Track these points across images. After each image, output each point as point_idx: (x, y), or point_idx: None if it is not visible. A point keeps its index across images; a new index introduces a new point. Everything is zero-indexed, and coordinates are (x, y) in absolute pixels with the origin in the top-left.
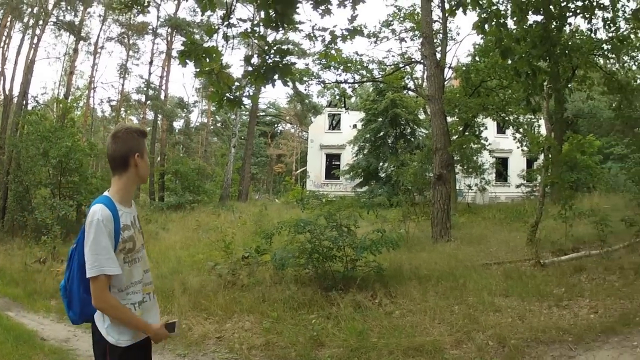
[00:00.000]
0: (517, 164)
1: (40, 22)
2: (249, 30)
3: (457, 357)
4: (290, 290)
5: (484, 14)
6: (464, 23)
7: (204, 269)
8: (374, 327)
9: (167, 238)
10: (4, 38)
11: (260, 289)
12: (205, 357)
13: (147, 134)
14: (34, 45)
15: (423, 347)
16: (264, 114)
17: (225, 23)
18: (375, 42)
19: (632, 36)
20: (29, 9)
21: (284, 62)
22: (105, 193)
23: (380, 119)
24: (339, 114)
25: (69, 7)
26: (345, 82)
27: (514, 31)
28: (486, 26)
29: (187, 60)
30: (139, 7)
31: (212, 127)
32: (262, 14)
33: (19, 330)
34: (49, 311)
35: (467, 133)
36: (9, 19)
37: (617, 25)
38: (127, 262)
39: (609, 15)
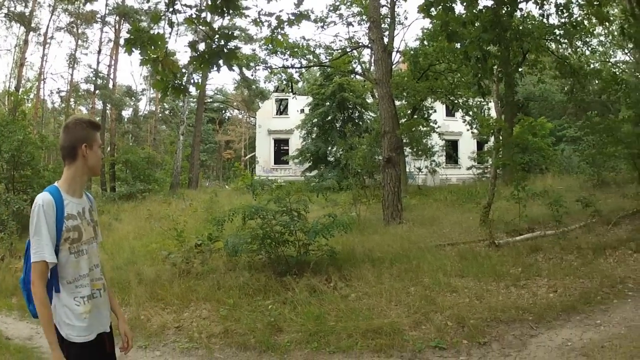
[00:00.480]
0: (467, 147)
1: None
2: (194, 16)
3: (417, 338)
4: (244, 276)
5: None
6: (412, 8)
7: (158, 258)
8: (331, 310)
9: (120, 228)
10: None
11: (215, 276)
12: (166, 348)
13: (100, 127)
14: None
15: (382, 329)
16: (211, 100)
17: (170, 9)
18: (323, 27)
19: (586, 22)
20: None
21: (228, 47)
22: (55, 183)
23: (328, 103)
24: (287, 99)
25: None
26: (292, 67)
27: (463, 15)
28: (433, 10)
29: (133, 49)
30: None
31: (160, 115)
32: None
33: None
34: (11, 309)
35: (415, 116)
36: None
37: (570, 11)
38: (73, 253)
39: (562, 1)
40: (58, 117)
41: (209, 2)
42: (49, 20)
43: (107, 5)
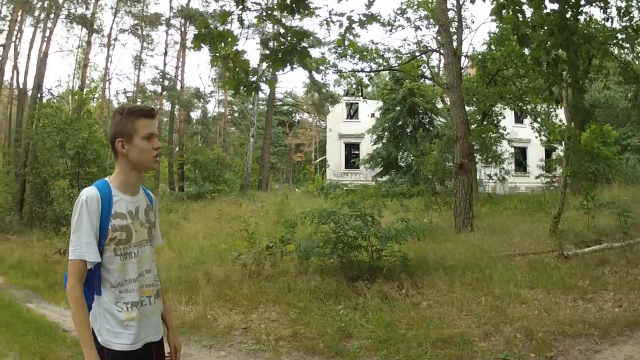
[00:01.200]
0: (535, 154)
1: (52, 16)
2: (264, 14)
3: (486, 350)
4: (315, 280)
5: (502, 0)
6: (478, 11)
7: (228, 258)
8: (402, 318)
9: (189, 228)
10: (15, 32)
11: (286, 279)
12: (231, 348)
13: (146, 113)
14: (46, 39)
15: (451, 339)
16: (281, 103)
17: (240, 7)
18: (391, 31)
19: None
20: (39, 3)
21: (301, 45)
22: (107, 177)
23: (399, 108)
24: (357, 103)
25: (79, 0)
26: (362, 71)
27: (531, 18)
28: (503, 12)
29: (202, 44)
30: None
31: (229, 117)
32: None
33: (40, 322)
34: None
35: (485, 122)
36: (19, 13)
37: (630, 14)
38: (119, 255)
39: (622, 4)
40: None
41: (279, 1)
42: (112, 22)
43: (171, 8)
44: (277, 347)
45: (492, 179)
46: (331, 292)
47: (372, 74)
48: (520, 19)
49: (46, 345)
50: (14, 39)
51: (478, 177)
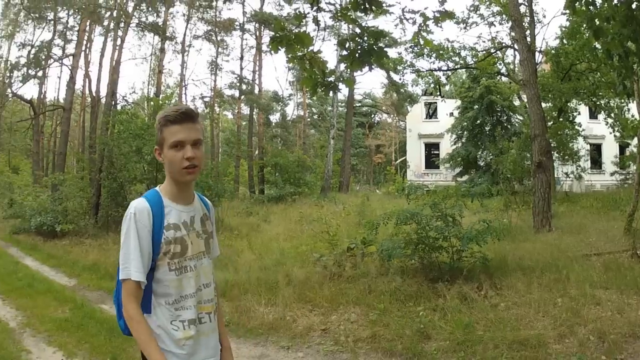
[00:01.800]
0: (610, 151)
1: (122, 25)
2: (339, 14)
3: (560, 352)
4: (396, 281)
5: None
6: (548, 5)
7: (309, 260)
8: (480, 319)
9: (269, 230)
10: (85, 42)
11: (366, 280)
12: (309, 350)
13: (175, 118)
14: (117, 47)
15: (527, 342)
16: (360, 104)
17: (315, 8)
18: (465, 28)
19: None
20: (108, 13)
21: (378, 45)
22: (157, 187)
23: (476, 107)
24: (435, 103)
25: (149, 9)
26: (439, 69)
27: (603, 10)
28: (576, 5)
29: (279, 47)
30: None
31: (309, 119)
32: None
33: (113, 322)
34: None
35: (561, 119)
36: (87, 23)
37: None
38: (173, 270)
39: None
40: (202, 121)
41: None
42: (185, 29)
43: (244, 13)
44: (356, 348)
45: (569, 177)
46: (411, 293)
47: (449, 73)
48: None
49: (119, 345)
50: (83, 48)
51: (556, 176)
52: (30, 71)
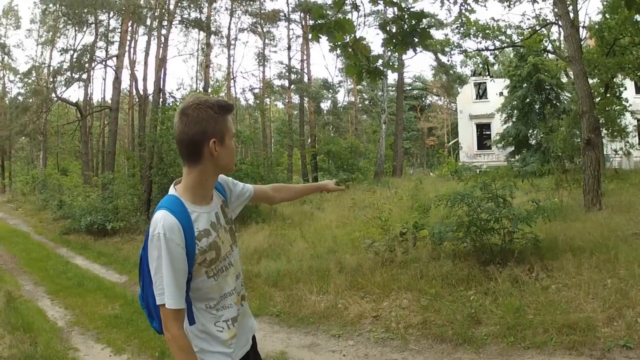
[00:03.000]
0: None
1: (165, 23)
2: None
3: (608, 336)
4: (447, 266)
5: None
6: None
7: (361, 247)
8: (531, 303)
9: (323, 217)
10: (128, 41)
11: (418, 265)
12: (360, 337)
13: (232, 107)
14: (161, 45)
15: (577, 325)
16: (410, 87)
17: None
18: (509, 6)
19: None
20: (149, 12)
21: (420, 26)
22: (172, 190)
23: (525, 85)
24: (485, 83)
25: (191, 5)
26: (486, 49)
27: None
28: None
29: (320, 35)
30: None
31: (360, 105)
32: None
33: None
34: None
35: (608, 95)
36: (129, 23)
37: None
38: (212, 276)
39: None
40: (253, 113)
41: None
42: (230, 22)
43: (288, 3)
44: (406, 334)
45: (618, 154)
46: (463, 277)
47: (496, 52)
48: None
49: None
50: (127, 48)
51: (605, 153)
52: (73, 74)
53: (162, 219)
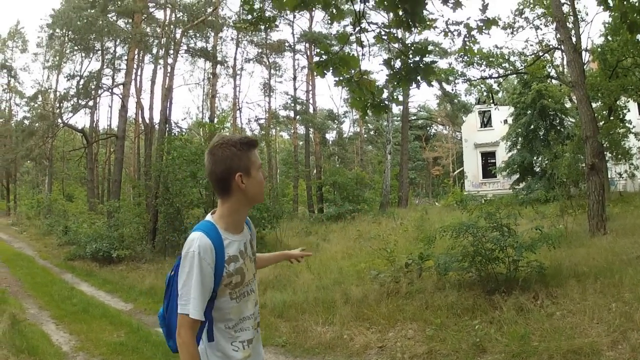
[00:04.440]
0: None
1: (171, 52)
2: (383, 33)
3: (612, 359)
4: (453, 295)
5: None
6: (590, 2)
7: (366, 278)
8: (536, 330)
9: (328, 249)
10: (134, 69)
11: (423, 295)
12: None
13: (256, 143)
14: (168, 74)
15: (581, 350)
16: (415, 117)
17: (357, 29)
18: (512, 33)
19: None
20: (156, 41)
21: (424, 62)
22: (209, 216)
23: (529, 112)
24: (489, 111)
25: (197, 35)
26: (490, 77)
27: (638, 3)
28: (610, 1)
29: (325, 71)
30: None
31: (365, 135)
32: (392, 15)
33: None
34: None
35: (611, 118)
36: (136, 51)
37: None
38: (234, 298)
39: None
40: (259, 143)
41: (393, 18)
42: (235, 53)
43: (293, 33)
44: None
45: (622, 177)
46: (468, 306)
47: (501, 79)
48: (626, 6)
49: None
50: (133, 76)
51: (609, 176)
52: (80, 101)
53: (198, 239)
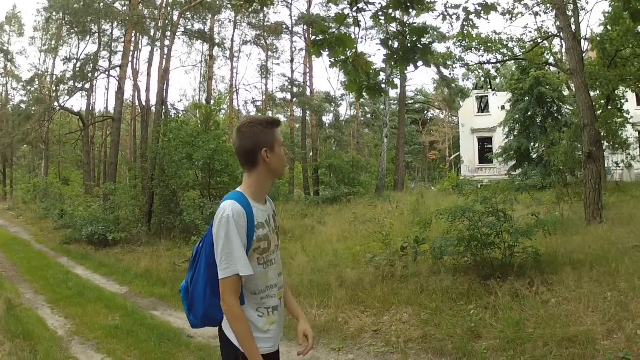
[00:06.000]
0: None
1: (168, 34)
2: (380, 14)
3: (607, 349)
4: (448, 280)
5: None
6: None
7: (362, 261)
8: (531, 316)
9: (324, 232)
10: (131, 52)
11: (419, 279)
12: (360, 351)
13: (279, 123)
14: (165, 56)
15: (576, 338)
16: (412, 101)
17: (355, 8)
18: (511, 19)
19: None
20: (153, 23)
21: (422, 42)
22: (238, 189)
23: (527, 99)
24: (487, 96)
25: (195, 17)
26: (488, 62)
27: None
28: None
29: (321, 51)
30: (260, 2)
31: (362, 118)
32: None
33: (163, 328)
34: None
35: (609, 107)
36: (133, 34)
37: None
38: (262, 264)
39: None
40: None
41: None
42: (233, 35)
43: (291, 16)
44: (406, 349)
45: (619, 167)
46: (463, 291)
47: (499, 65)
48: None
49: (168, 351)
50: (130, 58)
51: (606, 165)
52: (76, 84)
53: (230, 205)
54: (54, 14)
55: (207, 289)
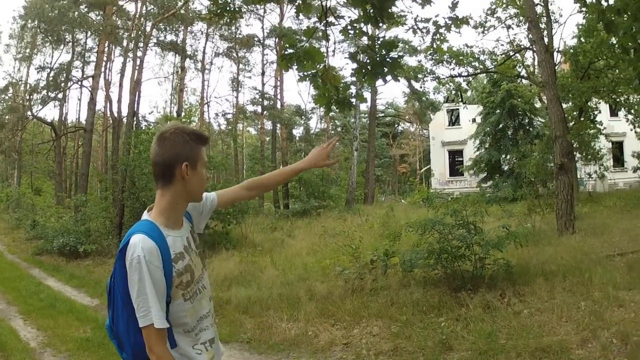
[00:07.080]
0: (632, 148)
1: (140, 45)
2: (349, 27)
3: (582, 357)
4: (418, 292)
5: None
6: (564, 4)
7: (331, 274)
8: (503, 328)
9: (293, 245)
10: (104, 62)
11: (389, 292)
12: None
13: (208, 140)
14: (137, 67)
15: (550, 348)
16: (383, 114)
17: (323, 22)
18: (483, 32)
19: None
20: (126, 33)
21: (391, 56)
22: (145, 215)
23: (498, 111)
24: (458, 109)
25: (167, 28)
26: (460, 75)
27: (615, 3)
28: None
29: (289, 65)
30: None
31: (332, 132)
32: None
33: None
34: None
35: (582, 118)
36: (106, 44)
37: None
38: (188, 299)
39: None
40: (225, 138)
41: (362, 13)
42: (204, 47)
43: (263, 28)
44: None
45: (592, 177)
46: (434, 304)
47: (470, 78)
48: (604, 5)
49: None
50: (103, 69)
51: (578, 176)
52: (50, 93)
53: (140, 242)
54: (29, 21)
55: (130, 328)
